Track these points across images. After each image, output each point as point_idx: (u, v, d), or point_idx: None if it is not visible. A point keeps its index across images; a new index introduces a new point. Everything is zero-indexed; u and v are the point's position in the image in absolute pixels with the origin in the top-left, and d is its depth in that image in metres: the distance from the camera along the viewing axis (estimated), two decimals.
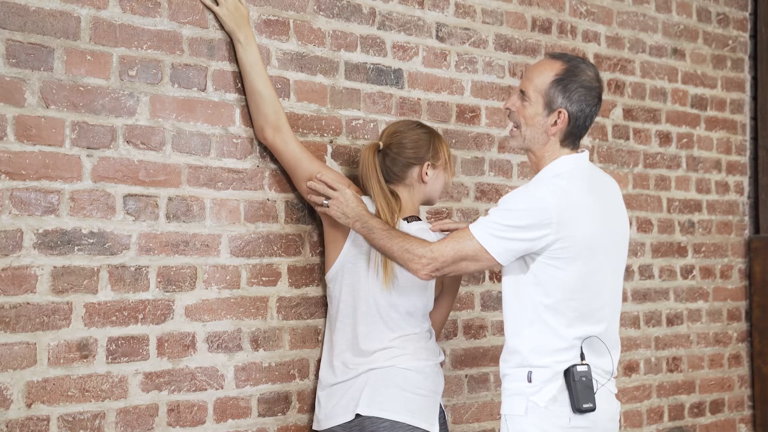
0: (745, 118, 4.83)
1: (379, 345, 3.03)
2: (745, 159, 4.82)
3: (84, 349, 2.71)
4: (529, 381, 2.74)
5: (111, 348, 2.76)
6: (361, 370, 3.01)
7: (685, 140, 4.53)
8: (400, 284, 3.06)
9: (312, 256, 3.19)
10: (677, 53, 4.52)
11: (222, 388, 2.98)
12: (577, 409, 2.71)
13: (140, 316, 2.82)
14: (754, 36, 4.88)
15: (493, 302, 3.73)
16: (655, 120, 4.40)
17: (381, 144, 3.15)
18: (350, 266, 3.06)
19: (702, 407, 4.55)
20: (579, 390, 2.71)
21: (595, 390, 2.74)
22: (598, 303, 2.80)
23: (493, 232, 2.74)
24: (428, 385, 3.05)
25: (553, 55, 2.89)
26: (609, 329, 2.84)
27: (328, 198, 3.00)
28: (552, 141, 2.83)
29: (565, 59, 2.84)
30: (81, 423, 2.70)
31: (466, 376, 3.63)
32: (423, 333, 3.12)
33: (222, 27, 3.01)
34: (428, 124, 3.51)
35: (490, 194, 3.74)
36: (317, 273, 3.20)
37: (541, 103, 2.81)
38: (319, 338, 3.21)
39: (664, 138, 4.43)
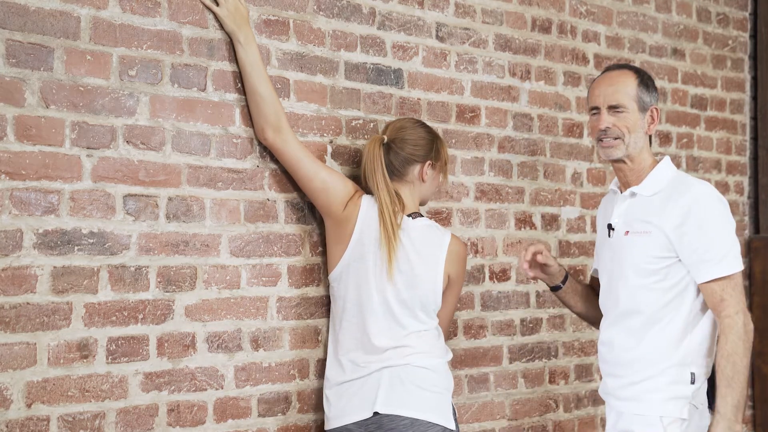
0: (745, 118, 4.83)
1: (392, 343, 3.04)
2: (745, 159, 4.82)
3: (84, 349, 2.71)
4: (692, 383, 2.82)
5: (111, 348, 2.76)
6: (373, 368, 3.02)
7: (685, 140, 4.53)
8: (409, 279, 3.07)
9: (312, 256, 3.19)
10: (677, 53, 4.52)
11: (222, 388, 2.98)
12: (713, 409, 2.81)
13: (140, 316, 2.82)
14: (754, 36, 4.88)
15: (493, 302, 3.73)
16: None
17: (386, 138, 3.15)
18: (356, 265, 3.06)
19: None
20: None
21: None
22: None
23: (735, 255, 2.81)
24: (442, 382, 3.08)
25: (615, 67, 3.04)
26: None
27: None
28: (647, 140, 2.99)
29: (627, 66, 3.01)
30: (81, 423, 2.70)
31: (466, 376, 3.63)
32: (433, 330, 3.14)
33: (222, 27, 3.01)
34: (428, 124, 3.51)
35: (490, 194, 3.74)
36: (317, 273, 3.20)
37: (636, 109, 2.94)
38: (319, 338, 3.20)
39: (664, 138, 4.43)
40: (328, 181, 3.08)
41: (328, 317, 3.22)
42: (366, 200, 3.10)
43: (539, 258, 3.05)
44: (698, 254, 2.80)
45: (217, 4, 2.98)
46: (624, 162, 2.96)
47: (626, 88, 2.94)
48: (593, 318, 3.20)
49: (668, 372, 2.82)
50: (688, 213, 2.82)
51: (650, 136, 3.00)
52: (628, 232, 2.92)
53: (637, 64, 4.29)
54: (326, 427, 3.09)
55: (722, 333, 2.78)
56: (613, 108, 2.93)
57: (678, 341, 2.83)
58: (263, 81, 2.99)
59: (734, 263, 2.80)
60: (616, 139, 2.93)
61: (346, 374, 3.04)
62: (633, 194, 2.96)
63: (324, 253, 3.21)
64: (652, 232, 2.85)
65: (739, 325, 2.76)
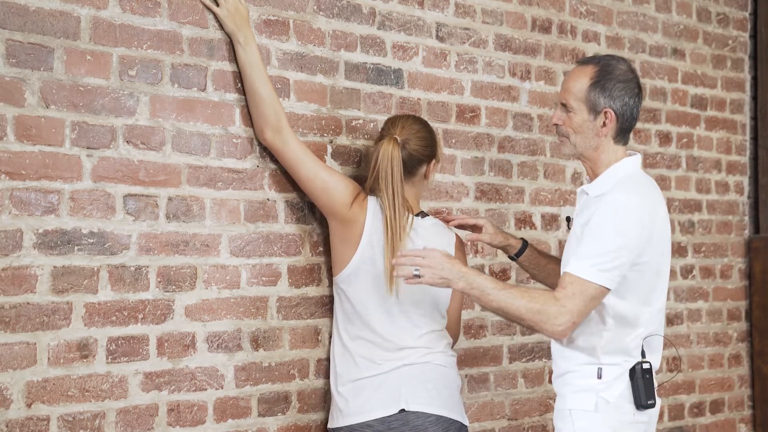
0: (745, 118, 4.83)
1: (409, 342, 3.07)
2: (745, 159, 4.82)
3: (84, 349, 2.71)
4: (599, 377, 2.81)
5: (111, 348, 2.76)
6: (392, 366, 3.03)
7: (685, 140, 4.53)
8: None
9: (312, 256, 3.19)
10: (677, 53, 4.52)
11: (222, 388, 2.98)
12: (641, 405, 2.80)
13: (140, 316, 2.82)
14: (754, 36, 4.88)
15: None
16: (655, 120, 4.40)
17: (399, 138, 3.09)
18: (367, 267, 3.06)
19: (702, 407, 4.55)
20: (644, 387, 2.80)
21: (655, 387, 2.84)
22: (662, 304, 2.90)
23: (600, 266, 2.72)
24: (456, 380, 3.15)
25: (582, 61, 2.95)
26: (661, 328, 2.93)
27: (417, 268, 2.80)
28: (604, 141, 2.88)
29: (595, 61, 2.90)
30: (81, 423, 2.70)
31: (466, 376, 3.63)
32: (444, 330, 3.19)
33: (222, 27, 3.01)
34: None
35: (490, 194, 3.74)
36: (317, 273, 3.20)
37: (585, 110, 2.86)
38: (319, 338, 3.20)
39: (664, 138, 4.43)
40: (329, 181, 3.07)
41: (329, 317, 3.22)
42: (372, 202, 3.10)
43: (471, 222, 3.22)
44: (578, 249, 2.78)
45: (217, 5, 2.98)
46: (582, 158, 2.93)
47: (575, 88, 2.86)
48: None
49: (578, 367, 2.84)
50: (592, 215, 2.78)
51: (620, 137, 2.88)
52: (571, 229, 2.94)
53: (636, 64, 4.30)
54: (340, 423, 3.06)
55: (544, 292, 2.75)
56: (563, 106, 2.90)
57: (585, 339, 2.83)
58: (263, 81, 2.99)
59: (589, 270, 2.70)
60: (563, 136, 2.91)
61: (362, 371, 3.04)
62: (586, 193, 2.92)
63: (325, 253, 3.21)
64: (577, 232, 2.84)
65: (554, 310, 2.69)
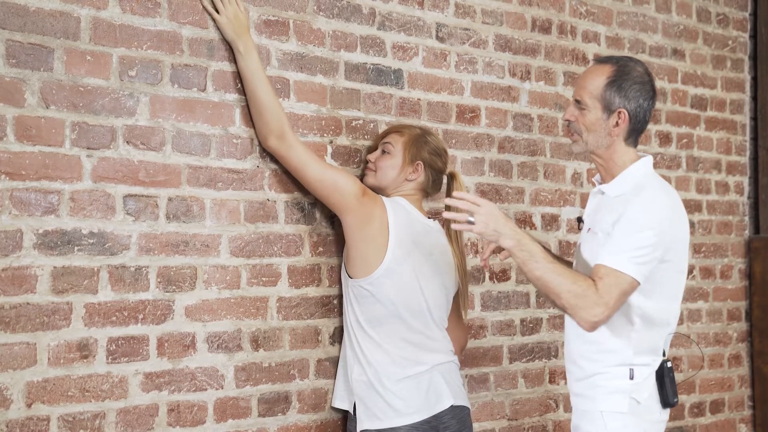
0: (745, 118, 4.83)
1: (437, 339, 3.18)
2: (745, 159, 4.82)
3: (84, 349, 2.71)
4: (631, 378, 2.82)
5: (111, 348, 2.76)
6: (430, 365, 3.13)
7: (685, 140, 4.53)
8: (442, 281, 3.20)
9: (312, 256, 3.19)
10: (677, 53, 4.52)
11: (222, 388, 2.98)
12: (668, 404, 2.83)
13: (140, 316, 2.82)
14: (754, 36, 4.88)
15: (493, 302, 3.73)
16: (655, 120, 4.40)
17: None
18: (399, 269, 3.09)
19: (702, 407, 4.55)
20: (670, 386, 2.83)
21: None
22: (680, 302, 2.93)
23: (636, 260, 2.72)
24: None
25: (600, 60, 2.96)
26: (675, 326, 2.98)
27: (471, 215, 2.77)
28: (616, 141, 2.89)
29: (613, 61, 2.91)
30: (81, 423, 2.70)
31: (466, 376, 3.63)
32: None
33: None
34: (428, 124, 3.52)
35: (490, 194, 3.74)
36: (317, 273, 3.20)
37: (599, 108, 2.86)
38: (319, 338, 3.20)
39: (664, 138, 4.43)
40: (336, 178, 3.05)
41: (329, 317, 3.22)
42: (387, 201, 3.12)
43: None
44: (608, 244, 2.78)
45: (218, 12, 2.97)
46: (593, 156, 2.93)
47: (592, 85, 2.86)
48: None
49: (607, 369, 2.84)
50: (624, 212, 2.78)
51: (631, 138, 2.90)
52: (590, 229, 2.92)
53: None
54: (397, 423, 3.05)
55: (586, 277, 2.73)
56: (578, 102, 2.90)
57: (614, 340, 2.83)
58: (264, 88, 2.98)
59: (624, 263, 2.71)
60: (575, 134, 2.91)
61: (405, 370, 3.09)
62: (602, 192, 2.93)
63: (324, 254, 3.21)
64: (598, 234, 2.84)
65: (593, 298, 2.67)
